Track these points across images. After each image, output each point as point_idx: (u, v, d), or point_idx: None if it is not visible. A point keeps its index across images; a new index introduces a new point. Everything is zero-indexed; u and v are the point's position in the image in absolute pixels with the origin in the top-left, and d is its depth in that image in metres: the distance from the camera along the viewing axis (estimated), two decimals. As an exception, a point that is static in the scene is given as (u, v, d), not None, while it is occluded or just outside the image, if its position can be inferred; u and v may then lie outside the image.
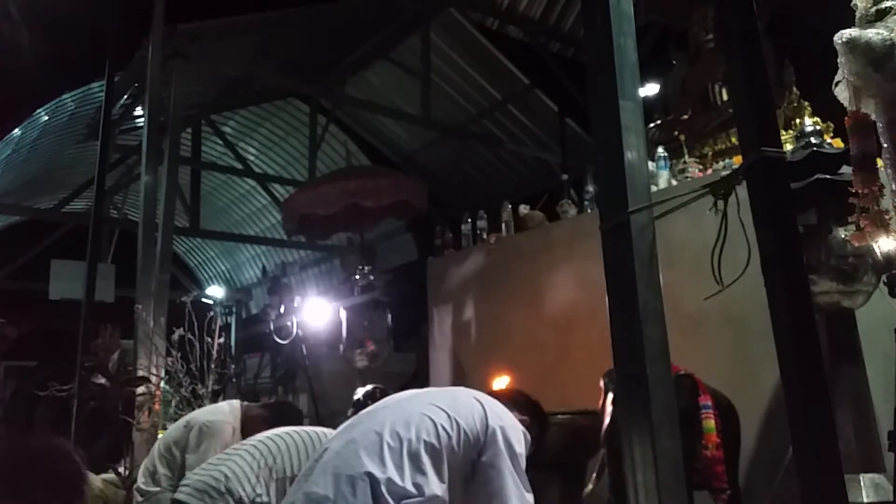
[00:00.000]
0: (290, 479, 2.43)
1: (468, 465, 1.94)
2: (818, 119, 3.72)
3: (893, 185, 2.24)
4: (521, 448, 1.98)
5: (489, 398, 2.10)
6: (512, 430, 2.00)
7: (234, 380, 7.30)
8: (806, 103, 4.22)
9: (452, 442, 1.90)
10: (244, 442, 2.76)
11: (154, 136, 5.98)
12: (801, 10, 5.17)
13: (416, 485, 1.81)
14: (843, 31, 2.27)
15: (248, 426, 3.37)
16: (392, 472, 1.80)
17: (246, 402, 3.68)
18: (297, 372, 6.88)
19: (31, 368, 8.99)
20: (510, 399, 2.27)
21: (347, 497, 1.77)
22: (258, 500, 2.44)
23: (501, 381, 3.85)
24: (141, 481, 3.37)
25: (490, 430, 1.95)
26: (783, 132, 3.94)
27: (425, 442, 1.86)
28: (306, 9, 7.22)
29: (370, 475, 1.79)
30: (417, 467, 1.83)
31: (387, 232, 9.75)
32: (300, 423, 3.40)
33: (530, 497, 1.97)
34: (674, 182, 4.18)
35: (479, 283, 5.29)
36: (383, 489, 1.77)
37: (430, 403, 1.98)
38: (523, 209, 5.20)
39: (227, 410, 3.52)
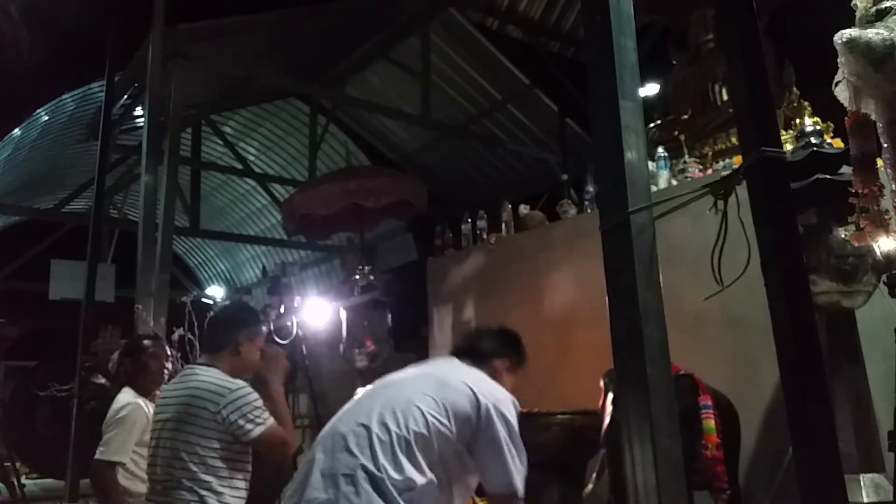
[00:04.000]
0: None
1: (463, 443, 1.98)
2: (818, 119, 3.71)
3: (893, 185, 2.24)
4: (513, 418, 2.04)
5: (476, 375, 2.13)
6: (503, 402, 2.05)
7: (234, 380, 7.29)
8: (806, 103, 4.21)
9: (443, 429, 1.93)
10: None
11: (154, 136, 5.98)
12: (802, 10, 5.17)
13: (410, 477, 1.83)
14: (843, 31, 2.27)
15: None
16: (387, 466, 1.82)
17: None
18: (297, 372, 6.87)
19: (31, 368, 8.99)
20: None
21: (350, 497, 1.78)
22: None
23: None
24: None
25: (483, 409, 1.98)
26: (783, 132, 3.93)
27: (415, 433, 1.88)
28: (306, 9, 7.22)
29: (365, 468, 1.81)
30: (410, 459, 1.85)
31: (387, 232, 9.75)
32: None
33: (523, 467, 2.03)
34: (674, 182, 4.18)
35: (479, 283, 5.28)
36: (387, 483, 1.79)
37: (420, 392, 2.00)
38: (523, 209, 5.20)
39: None
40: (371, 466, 1.81)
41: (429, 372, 2.18)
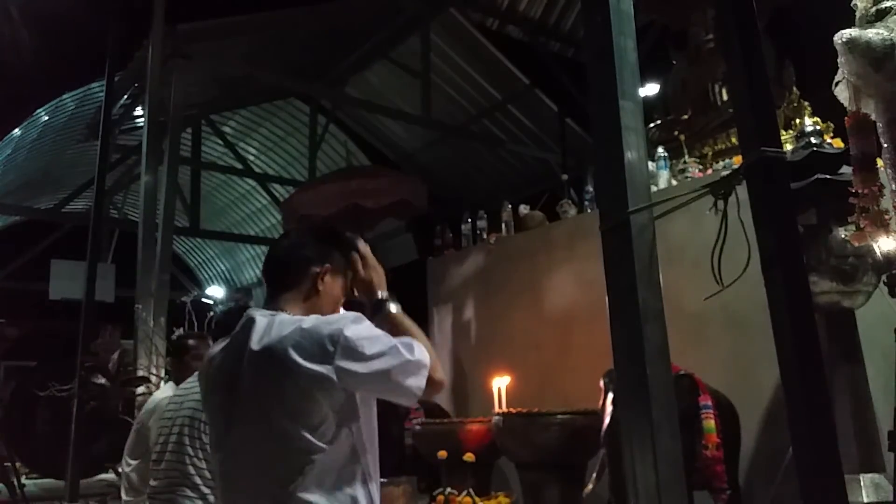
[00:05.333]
0: None
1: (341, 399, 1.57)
2: (818, 119, 3.72)
3: (893, 185, 2.24)
4: (359, 332, 1.57)
5: (297, 338, 1.56)
6: (338, 337, 1.55)
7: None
8: (806, 103, 4.22)
9: (324, 445, 1.55)
10: None
11: (154, 136, 5.99)
12: (801, 10, 5.17)
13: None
14: (843, 31, 2.27)
15: None
16: None
17: None
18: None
19: (31, 368, 8.99)
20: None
21: None
22: None
23: (501, 381, 3.84)
24: None
25: (336, 371, 1.53)
26: (783, 132, 3.94)
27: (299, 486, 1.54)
28: (306, 9, 7.22)
29: None
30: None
31: (387, 232, 9.75)
32: None
33: (405, 348, 1.59)
34: (674, 182, 4.18)
35: (479, 283, 5.29)
36: None
37: (280, 444, 1.55)
38: (523, 209, 5.20)
39: None
40: None
41: (267, 408, 1.57)
